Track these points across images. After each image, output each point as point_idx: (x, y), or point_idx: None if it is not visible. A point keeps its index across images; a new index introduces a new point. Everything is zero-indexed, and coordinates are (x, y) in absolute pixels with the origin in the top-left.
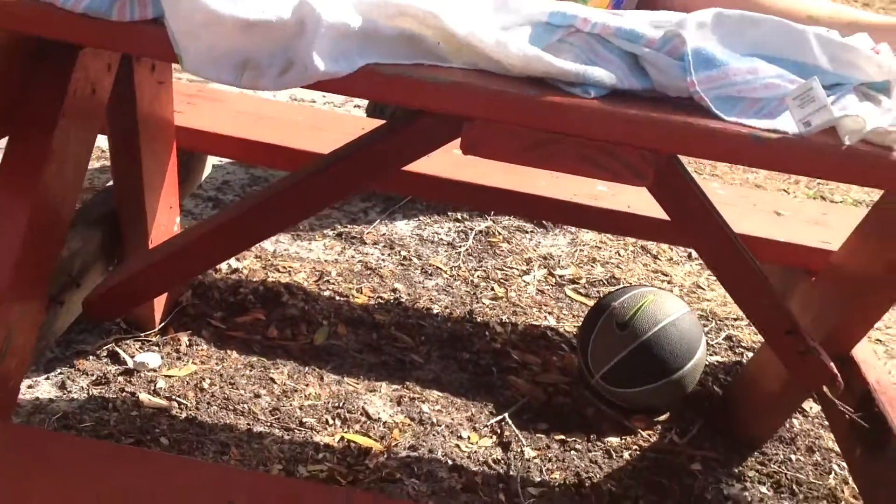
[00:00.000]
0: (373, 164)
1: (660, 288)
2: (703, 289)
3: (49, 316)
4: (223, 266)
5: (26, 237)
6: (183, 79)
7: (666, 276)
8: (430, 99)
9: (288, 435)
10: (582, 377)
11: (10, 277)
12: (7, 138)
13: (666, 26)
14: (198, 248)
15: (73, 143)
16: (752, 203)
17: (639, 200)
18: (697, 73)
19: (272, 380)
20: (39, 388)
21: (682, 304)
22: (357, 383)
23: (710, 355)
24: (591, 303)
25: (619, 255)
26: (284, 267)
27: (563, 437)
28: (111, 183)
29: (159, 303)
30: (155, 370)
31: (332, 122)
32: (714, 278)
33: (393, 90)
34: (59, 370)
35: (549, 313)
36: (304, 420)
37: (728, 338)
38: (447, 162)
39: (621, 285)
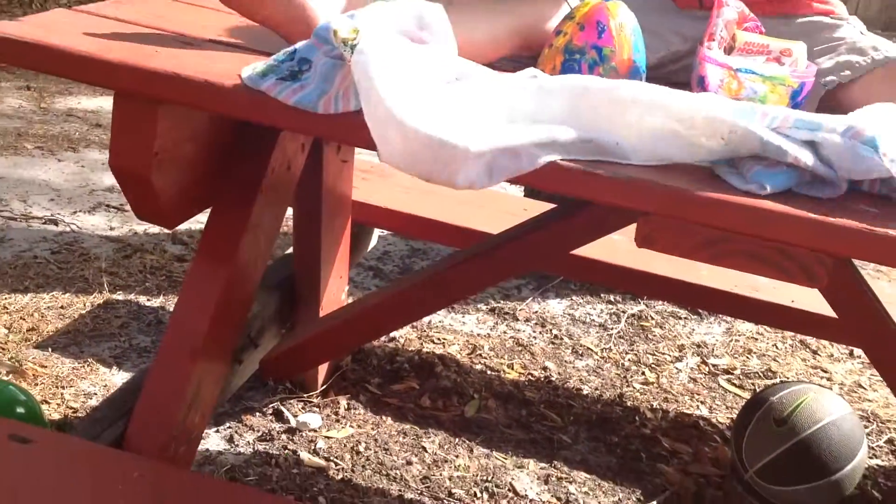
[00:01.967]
0: (542, 247)
1: (820, 385)
2: (865, 388)
3: (228, 374)
4: None
5: (220, 301)
6: (362, 155)
7: (826, 372)
8: (609, 193)
9: None
10: (734, 471)
11: (203, 337)
12: (211, 208)
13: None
14: (364, 321)
15: (267, 215)
16: None
17: (802, 294)
18: (884, 148)
19: (424, 448)
20: (210, 441)
21: (844, 403)
22: (505, 458)
23: (871, 458)
24: (746, 395)
25: (777, 347)
26: (439, 338)
27: None
28: (289, 251)
29: (322, 367)
30: (315, 430)
31: (494, 201)
32: (877, 378)
33: (575, 185)
34: (228, 424)
35: (702, 402)
36: (452, 491)
37: (890, 441)
38: (606, 246)
39: (780, 380)
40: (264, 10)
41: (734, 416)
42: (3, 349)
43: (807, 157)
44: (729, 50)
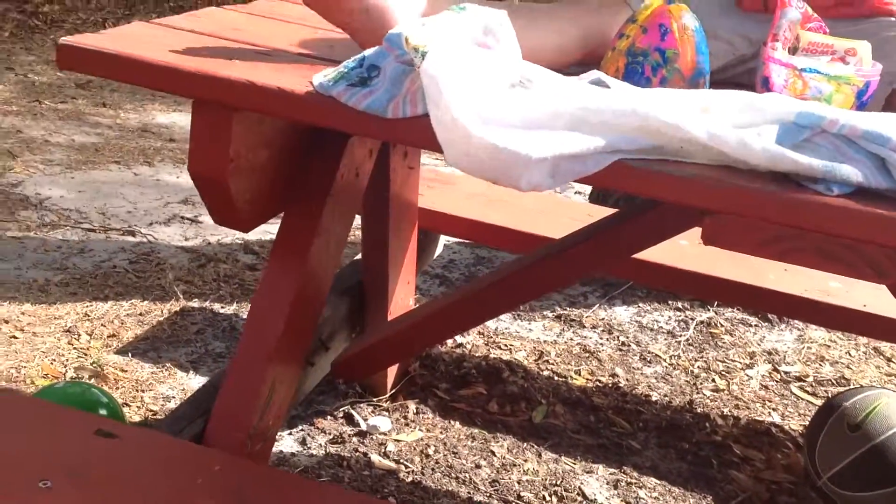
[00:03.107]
0: (606, 250)
1: (894, 391)
2: None
3: (301, 375)
4: (448, 341)
5: (294, 304)
6: (426, 163)
7: None
8: (674, 192)
9: None
10: (808, 477)
11: (277, 339)
12: (283, 214)
13: None
14: (432, 323)
15: (337, 220)
16: None
17: (875, 299)
18: None
19: (492, 452)
20: (283, 443)
21: None
22: (574, 463)
23: None
24: (819, 402)
25: (850, 355)
26: (506, 345)
27: None
28: (357, 257)
29: (391, 371)
30: (385, 434)
31: (559, 207)
32: None
33: (641, 183)
34: (300, 427)
35: (774, 409)
36: (521, 494)
37: None
38: (672, 250)
39: (852, 386)
40: (343, 16)
41: (807, 423)
42: (86, 354)
43: (854, 174)
44: (793, 50)
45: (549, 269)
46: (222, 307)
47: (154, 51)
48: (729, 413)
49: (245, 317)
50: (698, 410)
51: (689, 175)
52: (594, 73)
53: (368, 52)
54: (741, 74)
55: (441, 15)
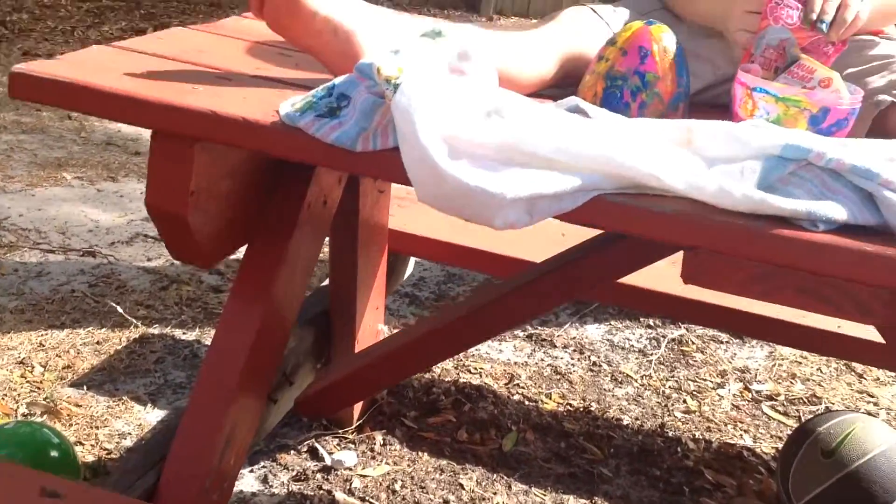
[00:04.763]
0: (584, 279)
1: (866, 412)
2: None
3: (263, 414)
4: None
5: (256, 341)
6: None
7: (872, 397)
8: (655, 229)
9: None
10: None
11: (237, 378)
12: (247, 245)
13: None
14: (401, 357)
15: (304, 251)
16: None
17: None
18: None
19: (461, 485)
20: (244, 482)
21: (893, 432)
22: (545, 494)
23: None
24: (791, 422)
25: (822, 371)
26: (476, 368)
27: None
28: (324, 283)
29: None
30: (351, 468)
31: (533, 228)
32: None
33: (620, 220)
34: (262, 463)
35: (745, 431)
36: None
37: None
38: (646, 270)
39: (826, 409)
40: (309, 39)
41: (779, 445)
42: (39, 388)
43: (839, 212)
44: (778, 70)
45: (524, 300)
46: (184, 333)
47: (112, 78)
48: (700, 436)
49: (208, 343)
50: (670, 434)
51: (669, 211)
52: (572, 100)
53: (338, 80)
54: (723, 94)
55: (414, 42)
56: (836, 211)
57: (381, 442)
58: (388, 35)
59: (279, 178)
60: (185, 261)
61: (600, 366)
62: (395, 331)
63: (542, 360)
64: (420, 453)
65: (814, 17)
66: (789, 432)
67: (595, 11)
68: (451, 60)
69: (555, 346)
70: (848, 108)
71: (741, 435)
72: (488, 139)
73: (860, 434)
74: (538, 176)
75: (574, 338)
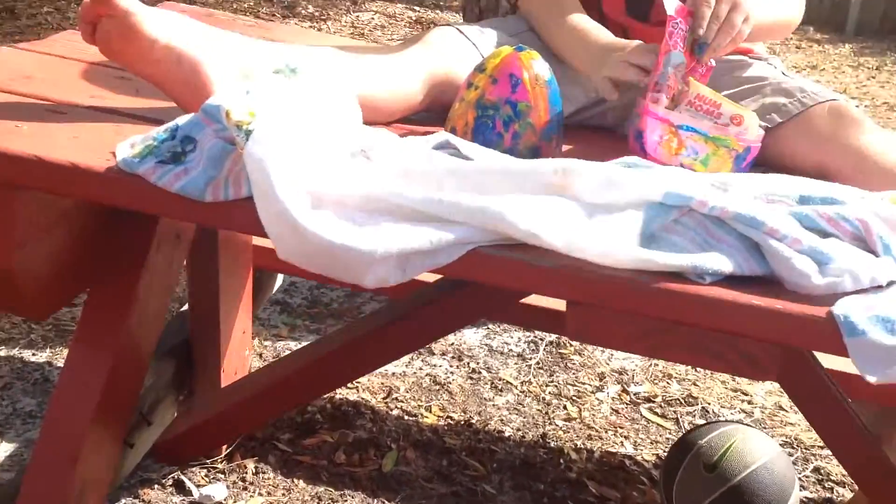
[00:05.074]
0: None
1: (742, 411)
2: (787, 410)
3: (119, 462)
4: None
5: (107, 387)
6: None
7: (746, 395)
8: (535, 283)
9: None
10: None
11: (86, 431)
12: (88, 291)
13: (784, 200)
14: (274, 394)
15: (156, 286)
16: None
17: None
18: (823, 276)
19: None
20: None
21: (773, 443)
22: None
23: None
24: (669, 425)
25: (696, 371)
26: (352, 382)
27: None
28: (184, 307)
29: None
30: (221, 503)
31: None
32: None
33: (498, 274)
34: (123, 501)
35: (626, 437)
36: None
37: (816, 470)
38: None
39: (706, 421)
40: (149, 68)
41: (660, 451)
42: None
43: (724, 264)
44: (676, 98)
45: (406, 332)
46: (34, 354)
47: None
48: (582, 445)
49: (60, 364)
50: (552, 444)
51: (550, 265)
52: (442, 135)
53: (181, 121)
54: (597, 116)
55: (267, 79)
56: (721, 263)
57: (254, 470)
58: (239, 64)
59: (123, 215)
60: (17, 314)
61: (480, 373)
62: (265, 347)
63: (421, 368)
64: (296, 480)
65: (700, 38)
66: (669, 437)
67: (462, 32)
68: (308, 100)
69: (433, 354)
70: (759, 144)
71: (622, 442)
72: (354, 189)
73: (741, 446)
74: (410, 231)
75: (452, 344)
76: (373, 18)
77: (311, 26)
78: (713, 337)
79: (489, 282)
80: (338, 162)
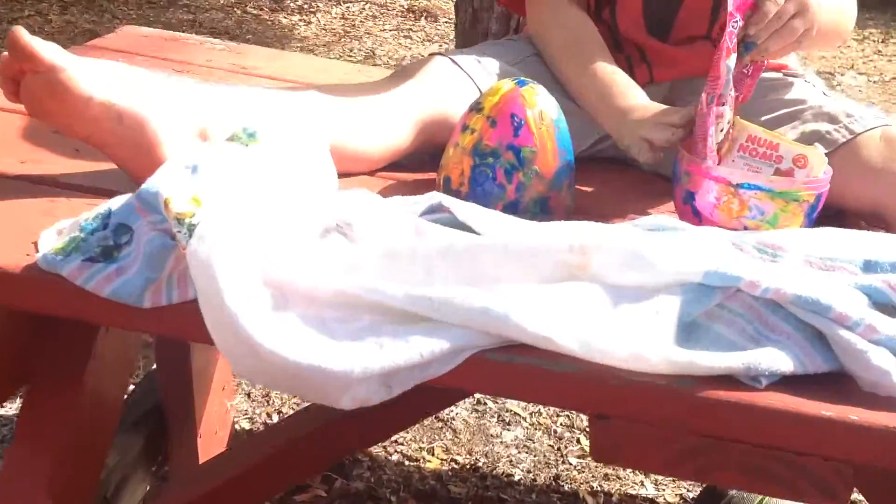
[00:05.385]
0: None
1: None
2: None
3: None
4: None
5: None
6: None
7: None
8: (551, 395)
9: None
10: None
11: None
12: (27, 388)
13: (846, 267)
14: (265, 472)
15: (108, 377)
16: None
17: None
18: None
19: None
20: None
21: None
22: None
23: None
24: None
25: None
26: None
27: None
28: (154, 366)
29: None
30: None
31: None
32: None
33: (505, 384)
34: None
35: (645, 475)
36: None
37: None
38: None
39: None
40: (86, 128)
41: (683, 492)
42: None
43: (784, 362)
44: (724, 143)
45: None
46: None
47: None
48: (598, 487)
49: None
50: (565, 488)
51: (570, 370)
52: (433, 196)
53: (114, 204)
54: (609, 148)
55: (220, 150)
56: (779, 360)
57: None
58: (193, 120)
59: None
60: None
61: (485, 403)
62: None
63: None
64: None
65: (749, 36)
66: None
67: (456, 63)
68: (271, 169)
69: None
70: (828, 186)
71: (642, 482)
72: (325, 282)
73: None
74: (394, 342)
75: None
76: (364, 9)
77: (300, 19)
78: (773, 456)
79: (493, 393)
80: (306, 245)
